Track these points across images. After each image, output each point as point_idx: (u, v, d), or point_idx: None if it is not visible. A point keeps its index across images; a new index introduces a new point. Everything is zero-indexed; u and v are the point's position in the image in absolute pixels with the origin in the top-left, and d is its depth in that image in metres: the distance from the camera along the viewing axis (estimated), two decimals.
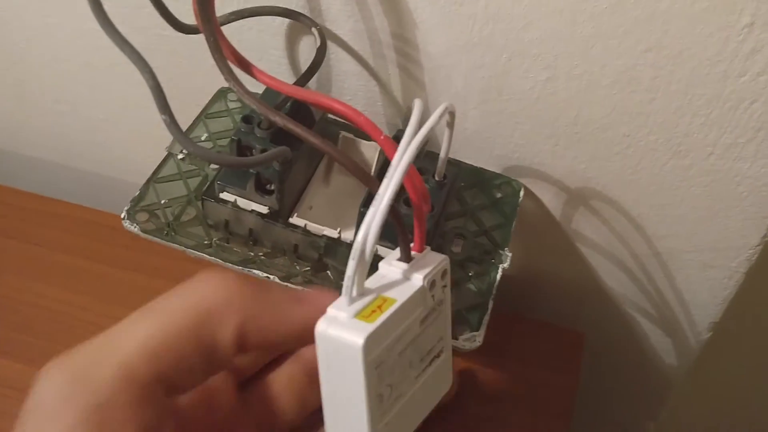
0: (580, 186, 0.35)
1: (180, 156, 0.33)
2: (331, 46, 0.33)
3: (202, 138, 0.34)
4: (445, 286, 0.25)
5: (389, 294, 0.23)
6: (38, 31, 0.40)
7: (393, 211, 0.22)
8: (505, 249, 0.32)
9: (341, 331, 0.21)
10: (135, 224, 0.30)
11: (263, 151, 0.29)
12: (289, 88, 0.26)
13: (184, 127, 0.34)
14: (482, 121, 0.33)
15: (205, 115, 0.35)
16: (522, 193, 0.35)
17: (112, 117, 0.44)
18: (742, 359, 0.61)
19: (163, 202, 0.32)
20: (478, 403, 0.37)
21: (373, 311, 0.21)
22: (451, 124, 0.28)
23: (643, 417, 0.50)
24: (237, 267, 0.30)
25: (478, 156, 0.35)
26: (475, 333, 0.29)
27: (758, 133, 0.30)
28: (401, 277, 0.23)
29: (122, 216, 0.31)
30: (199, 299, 0.20)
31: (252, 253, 0.31)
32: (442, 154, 0.30)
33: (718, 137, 0.30)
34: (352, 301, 0.22)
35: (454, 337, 0.28)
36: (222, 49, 0.25)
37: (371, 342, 0.21)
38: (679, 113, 0.30)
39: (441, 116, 0.25)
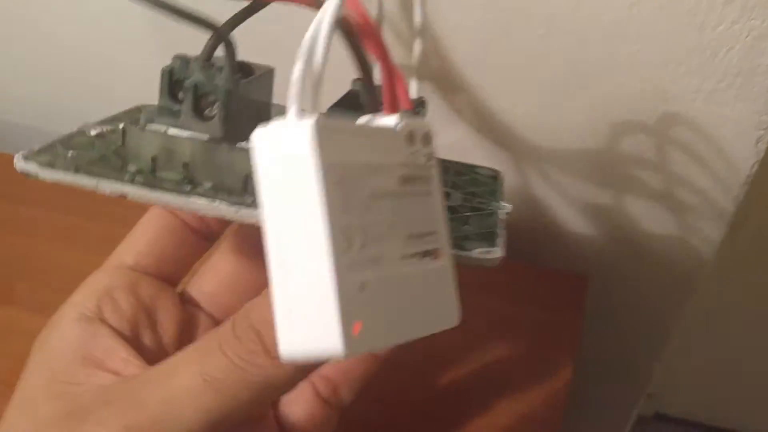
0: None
1: (93, 132, 0.26)
2: None
3: None
4: (430, 159, 0.20)
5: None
6: None
7: (352, 40, 0.18)
8: (501, 202, 0.28)
9: (284, 127, 0.17)
10: (31, 161, 0.23)
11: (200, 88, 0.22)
12: None
13: None
14: None
15: None
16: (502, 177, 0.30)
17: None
18: (741, 306, 0.63)
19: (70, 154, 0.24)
20: (481, 341, 0.36)
21: None
22: None
23: (648, 358, 0.52)
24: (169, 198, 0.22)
25: None
26: (491, 248, 0.24)
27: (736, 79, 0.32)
28: (369, 119, 0.19)
29: (15, 159, 0.23)
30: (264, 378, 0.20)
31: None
32: None
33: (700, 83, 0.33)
34: (302, 116, 0.17)
35: (467, 249, 0.24)
36: None
37: (325, 131, 0.16)
38: (664, 63, 0.32)
39: None
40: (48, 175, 0.23)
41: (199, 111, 0.22)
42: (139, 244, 0.25)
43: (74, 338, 0.23)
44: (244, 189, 0.23)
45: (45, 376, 0.22)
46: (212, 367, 0.20)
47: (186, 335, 0.25)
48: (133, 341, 0.23)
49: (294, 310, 0.16)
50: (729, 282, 0.53)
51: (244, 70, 0.25)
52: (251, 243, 0.26)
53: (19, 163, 0.23)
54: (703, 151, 0.36)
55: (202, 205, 0.22)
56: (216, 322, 0.26)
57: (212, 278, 0.27)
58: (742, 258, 0.51)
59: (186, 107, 0.22)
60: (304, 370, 0.20)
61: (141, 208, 0.25)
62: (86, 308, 0.23)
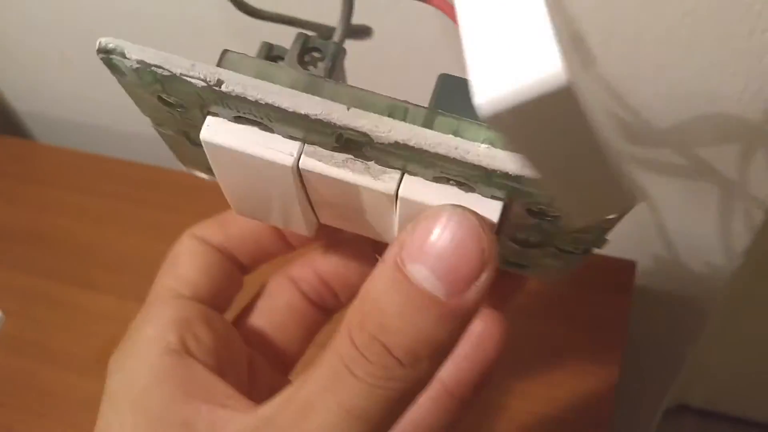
0: None
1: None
2: None
3: None
4: None
5: None
6: None
7: None
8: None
9: None
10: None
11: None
12: None
13: None
14: None
15: None
16: None
17: None
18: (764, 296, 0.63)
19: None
20: (534, 323, 0.38)
21: None
22: None
23: (683, 343, 0.54)
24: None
25: None
26: None
27: None
28: None
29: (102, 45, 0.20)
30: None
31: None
32: None
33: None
34: None
35: None
36: None
37: None
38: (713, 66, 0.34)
39: None
40: (137, 52, 0.20)
41: (303, 62, 0.21)
42: (189, 275, 0.23)
43: (168, 373, 0.20)
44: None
45: (141, 420, 0.19)
46: (350, 394, 0.17)
47: (251, 372, 0.23)
48: (221, 376, 0.21)
49: (500, 55, 0.15)
50: (753, 272, 0.53)
51: None
52: (302, 281, 0.25)
53: (105, 39, 0.20)
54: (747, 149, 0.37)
55: (317, 101, 0.18)
56: (267, 360, 0.24)
57: (265, 315, 0.25)
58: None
59: (291, 53, 0.21)
60: (440, 362, 0.18)
61: (217, 204, 0.23)
62: (169, 341, 0.21)
